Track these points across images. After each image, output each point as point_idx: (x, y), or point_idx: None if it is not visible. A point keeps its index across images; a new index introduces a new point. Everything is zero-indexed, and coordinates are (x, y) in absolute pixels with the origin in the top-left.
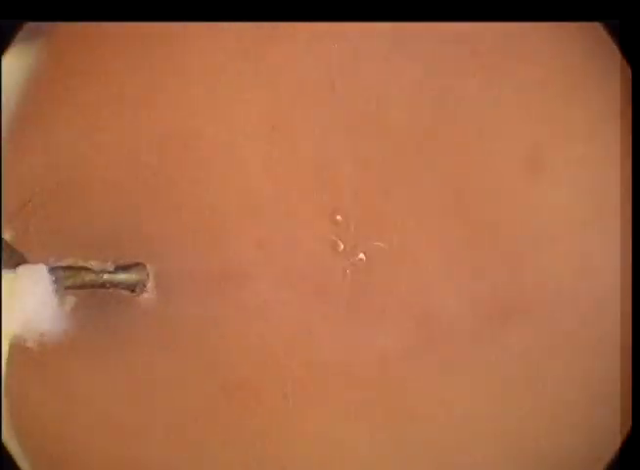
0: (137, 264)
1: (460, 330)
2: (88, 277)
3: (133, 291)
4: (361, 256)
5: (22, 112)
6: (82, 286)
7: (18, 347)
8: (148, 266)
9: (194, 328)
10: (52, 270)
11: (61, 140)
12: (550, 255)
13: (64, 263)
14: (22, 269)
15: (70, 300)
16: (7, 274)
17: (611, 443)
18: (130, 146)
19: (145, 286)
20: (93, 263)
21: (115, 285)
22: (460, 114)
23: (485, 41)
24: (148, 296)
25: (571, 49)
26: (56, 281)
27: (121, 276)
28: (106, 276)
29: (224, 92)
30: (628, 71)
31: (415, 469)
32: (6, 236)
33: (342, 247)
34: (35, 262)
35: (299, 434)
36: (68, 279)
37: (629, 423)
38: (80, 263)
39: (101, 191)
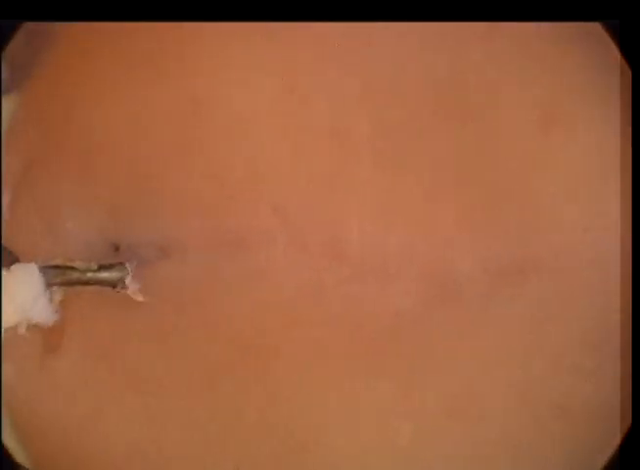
0: (118, 264)
1: (472, 289)
2: (74, 275)
3: (114, 287)
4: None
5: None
6: (69, 283)
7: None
8: (127, 265)
9: (209, 292)
10: (42, 269)
11: (81, 111)
12: (562, 213)
13: (52, 263)
14: (15, 268)
15: (58, 295)
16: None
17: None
18: (147, 113)
19: (125, 283)
20: (78, 263)
21: (99, 282)
22: (472, 79)
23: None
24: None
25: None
26: (45, 279)
27: (104, 274)
28: (90, 274)
29: (241, 58)
30: (628, 71)
31: (427, 417)
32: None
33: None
34: (26, 262)
35: (314, 392)
36: (57, 277)
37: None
38: (67, 263)
39: (116, 159)
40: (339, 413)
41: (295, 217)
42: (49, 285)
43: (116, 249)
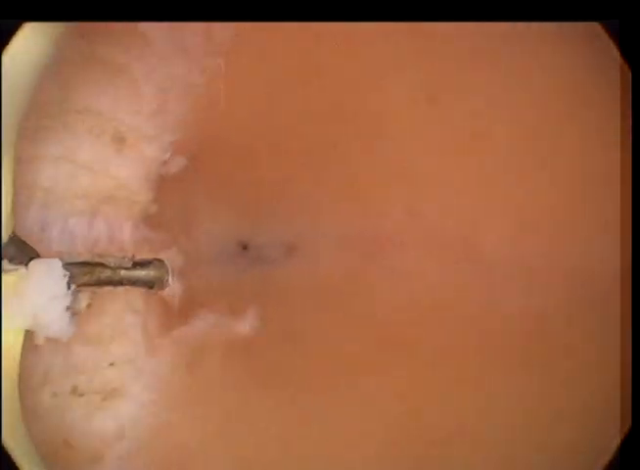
0: (155, 261)
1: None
2: (104, 274)
3: (151, 288)
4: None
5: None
6: (98, 283)
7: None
8: (166, 262)
9: (342, 292)
10: (66, 266)
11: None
12: None
13: (79, 259)
14: (33, 264)
15: (85, 298)
16: (18, 269)
17: None
18: (283, 117)
19: (164, 283)
20: (109, 259)
21: (133, 282)
22: None
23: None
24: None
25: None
26: (70, 278)
27: (139, 273)
28: (123, 273)
29: (380, 62)
30: (628, 71)
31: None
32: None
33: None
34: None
35: (451, 386)
36: (84, 276)
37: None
38: (96, 259)
39: (251, 162)
40: (477, 406)
41: (430, 219)
42: (75, 285)
43: (244, 247)
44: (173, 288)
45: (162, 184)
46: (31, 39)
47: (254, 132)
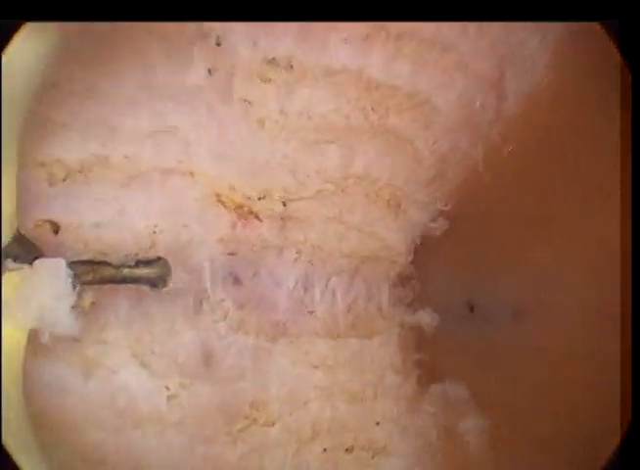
0: (158, 259)
1: None
2: (108, 272)
3: (155, 286)
4: None
5: None
6: (101, 281)
7: None
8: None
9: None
10: (70, 265)
11: None
12: None
13: (83, 258)
14: (38, 263)
15: (88, 296)
16: (23, 268)
17: None
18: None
19: (166, 281)
20: (112, 257)
21: (136, 280)
22: None
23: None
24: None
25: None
26: (74, 276)
27: (142, 271)
28: (126, 271)
29: None
30: (628, 71)
31: None
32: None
33: None
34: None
35: None
36: (88, 274)
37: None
38: (99, 258)
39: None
40: None
41: None
42: (79, 283)
43: (471, 309)
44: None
45: (423, 247)
46: None
47: (508, 198)
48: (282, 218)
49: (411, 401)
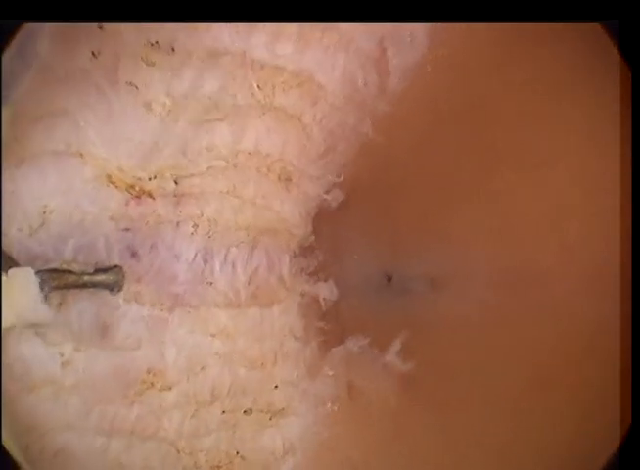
0: (114, 267)
1: None
2: (71, 279)
3: (111, 290)
4: None
5: None
6: (66, 286)
7: None
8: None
9: (487, 324)
10: (38, 273)
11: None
12: None
13: (49, 267)
14: (12, 272)
15: (56, 298)
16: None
17: None
18: (449, 152)
19: (121, 287)
20: (74, 266)
21: (95, 285)
22: None
23: None
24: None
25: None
26: (42, 282)
27: (100, 277)
28: (86, 278)
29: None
30: (628, 71)
31: None
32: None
33: None
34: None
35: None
36: (54, 281)
37: None
38: (64, 266)
39: (404, 197)
40: None
41: (582, 255)
42: (47, 288)
43: (389, 279)
44: (328, 316)
45: (320, 217)
46: None
47: (409, 169)
48: (175, 195)
49: (310, 366)
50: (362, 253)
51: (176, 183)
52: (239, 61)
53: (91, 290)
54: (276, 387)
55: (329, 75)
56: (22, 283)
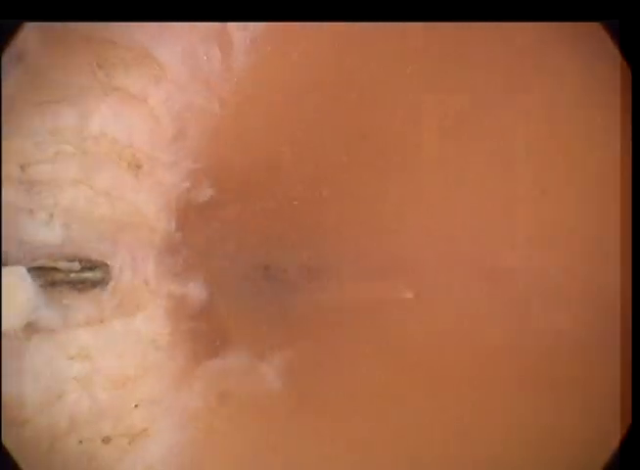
0: (101, 264)
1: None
2: (58, 276)
3: (96, 287)
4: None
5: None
6: (53, 283)
7: None
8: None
9: (365, 314)
10: (28, 271)
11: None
12: None
13: (36, 264)
14: (5, 270)
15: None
16: None
17: None
18: (311, 151)
19: (107, 283)
20: (62, 264)
21: (82, 282)
22: None
23: None
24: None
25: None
26: (31, 279)
27: (86, 275)
28: (73, 275)
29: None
30: (628, 71)
31: None
32: None
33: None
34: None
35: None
36: (41, 278)
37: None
38: (51, 264)
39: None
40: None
41: (456, 244)
42: (35, 285)
43: (266, 268)
44: (200, 317)
45: (187, 213)
46: None
47: (272, 157)
48: (21, 182)
49: (176, 378)
50: (235, 248)
51: (22, 169)
52: (76, 38)
53: None
54: (136, 406)
55: (168, 51)
56: (18, 281)
